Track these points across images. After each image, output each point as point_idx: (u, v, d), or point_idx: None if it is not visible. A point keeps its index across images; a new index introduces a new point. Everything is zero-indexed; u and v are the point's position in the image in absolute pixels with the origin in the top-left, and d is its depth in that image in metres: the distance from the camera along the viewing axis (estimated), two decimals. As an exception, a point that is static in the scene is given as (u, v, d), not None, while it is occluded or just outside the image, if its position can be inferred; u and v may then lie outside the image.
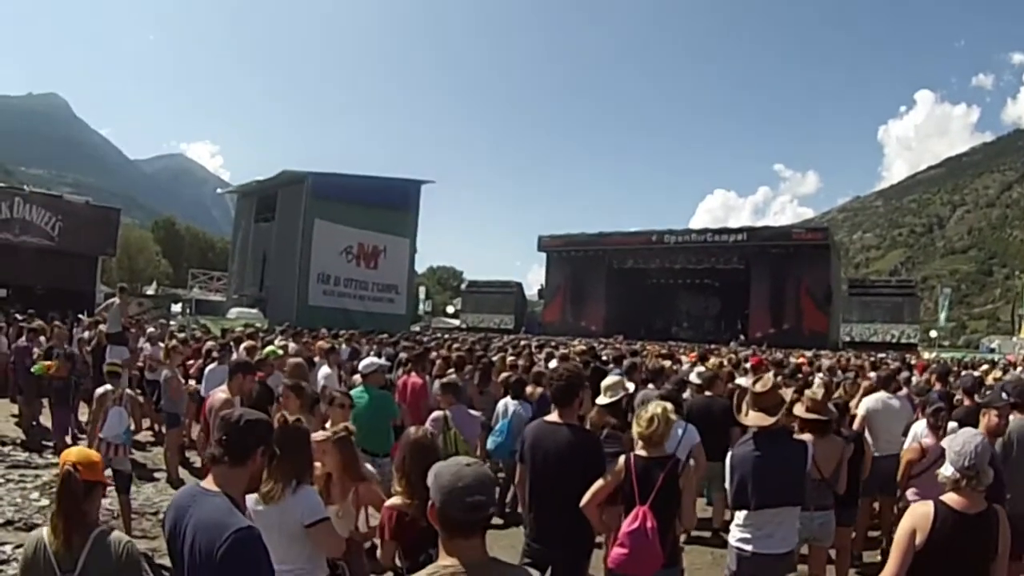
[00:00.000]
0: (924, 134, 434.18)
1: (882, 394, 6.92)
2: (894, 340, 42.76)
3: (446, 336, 23.36)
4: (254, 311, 27.47)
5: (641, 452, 3.75)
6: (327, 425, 4.82)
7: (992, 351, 45.87)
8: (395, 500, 3.25)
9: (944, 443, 3.42)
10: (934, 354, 35.52)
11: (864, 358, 20.24)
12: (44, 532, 2.53)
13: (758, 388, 4.17)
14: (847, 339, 44.94)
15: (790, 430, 4.49)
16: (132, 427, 7.41)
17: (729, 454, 4.27)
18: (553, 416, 4.06)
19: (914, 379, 10.93)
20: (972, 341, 72.55)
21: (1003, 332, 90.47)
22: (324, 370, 8.96)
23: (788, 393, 4.66)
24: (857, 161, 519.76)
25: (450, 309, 67.30)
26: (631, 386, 4.24)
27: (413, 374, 8.22)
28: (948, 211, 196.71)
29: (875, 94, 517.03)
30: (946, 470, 2.86)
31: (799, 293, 45.02)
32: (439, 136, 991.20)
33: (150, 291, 45.81)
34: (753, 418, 4.10)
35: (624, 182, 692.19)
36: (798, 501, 4.14)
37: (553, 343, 20.41)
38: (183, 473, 8.34)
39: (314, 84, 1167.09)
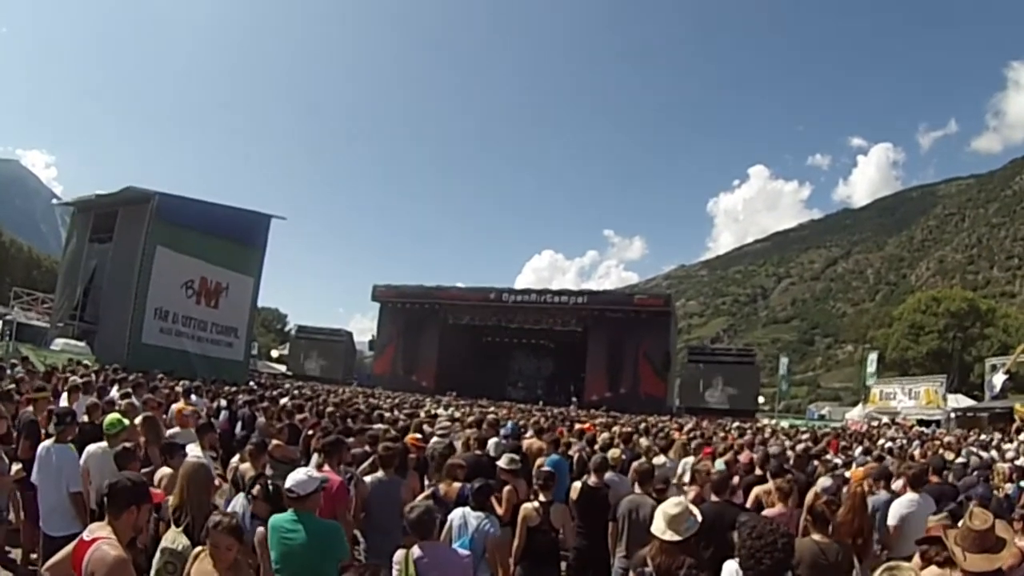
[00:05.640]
0: (754, 208, 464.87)
1: (912, 494, 6.46)
2: (733, 407, 43.61)
3: (294, 390, 20.19)
4: (81, 344, 24.70)
5: None
6: None
7: (822, 417, 49.32)
8: None
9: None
10: (773, 421, 37.38)
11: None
12: None
13: (977, 524, 3.43)
14: (685, 405, 45.80)
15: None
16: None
17: None
18: None
19: (830, 456, 11.61)
20: (793, 407, 77.46)
21: (825, 399, 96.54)
22: (193, 451, 6.15)
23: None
24: (685, 230, 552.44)
25: (275, 353, 64.67)
26: (699, 514, 3.76)
27: (326, 468, 5.91)
28: (773, 282, 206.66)
29: (708, 167, 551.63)
30: None
31: (637, 358, 46.15)
32: (274, 172, 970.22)
33: (-35, 307, 40.95)
34: (979, 562, 3.36)
35: (454, 237, 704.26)
36: None
37: (424, 407, 18.72)
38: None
39: (159, 105, 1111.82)
